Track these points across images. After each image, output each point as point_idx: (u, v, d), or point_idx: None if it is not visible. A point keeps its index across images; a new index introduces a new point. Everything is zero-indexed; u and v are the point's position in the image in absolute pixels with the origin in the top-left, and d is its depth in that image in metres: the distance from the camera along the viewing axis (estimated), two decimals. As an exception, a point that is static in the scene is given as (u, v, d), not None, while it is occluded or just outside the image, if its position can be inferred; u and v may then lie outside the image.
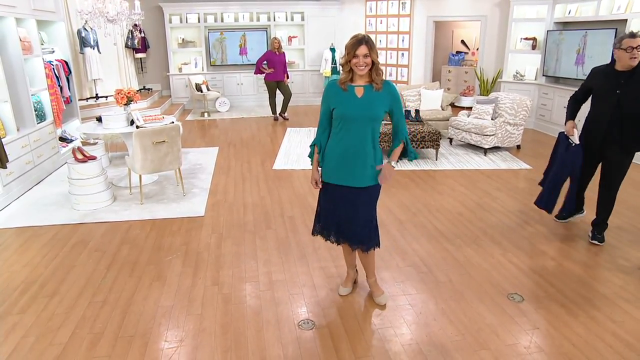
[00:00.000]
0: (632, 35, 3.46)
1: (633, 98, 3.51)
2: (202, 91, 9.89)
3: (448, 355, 2.56)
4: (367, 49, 2.59)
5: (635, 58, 3.44)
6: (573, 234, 4.06)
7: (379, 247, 2.98)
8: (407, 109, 7.11)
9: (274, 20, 10.86)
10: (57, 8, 6.24)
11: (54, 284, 3.31)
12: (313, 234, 3.06)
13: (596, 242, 3.86)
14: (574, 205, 4.12)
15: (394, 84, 2.82)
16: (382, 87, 2.69)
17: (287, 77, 9.23)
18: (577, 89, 3.95)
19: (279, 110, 9.42)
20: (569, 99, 3.98)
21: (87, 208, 4.62)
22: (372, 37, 8.64)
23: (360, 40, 2.60)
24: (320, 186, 2.91)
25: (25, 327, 2.82)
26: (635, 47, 3.41)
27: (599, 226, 3.91)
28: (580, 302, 3.03)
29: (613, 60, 3.62)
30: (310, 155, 2.97)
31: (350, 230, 2.88)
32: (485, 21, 9.63)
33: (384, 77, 2.74)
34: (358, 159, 2.74)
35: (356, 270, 3.24)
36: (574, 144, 3.79)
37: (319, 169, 2.91)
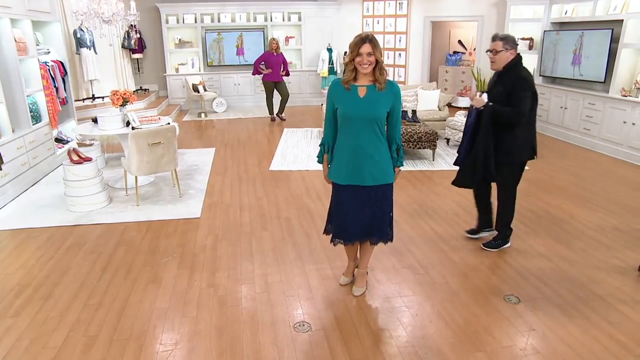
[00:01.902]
0: (492, 38, 3.36)
1: (495, 101, 3.35)
2: (199, 92, 9.87)
3: (444, 357, 2.55)
4: (371, 47, 2.60)
5: (492, 62, 3.36)
6: (570, 235, 4.06)
7: (391, 241, 3.06)
8: (404, 109, 7.10)
9: (271, 20, 10.85)
10: (52, 9, 6.22)
11: (49, 286, 3.29)
12: (325, 233, 3.12)
13: (485, 248, 3.78)
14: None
15: (398, 85, 2.82)
16: (385, 87, 2.70)
17: (287, 75, 9.20)
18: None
19: (276, 110, 9.41)
20: None
21: (82, 210, 4.60)
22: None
23: (364, 39, 2.62)
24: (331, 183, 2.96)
25: (19, 330, 2.80)
26: (491, 50, 3.33)
27: (498, 231, 3.78)
28: (577, 304, 3.03)
29: None
30: (319, 156, 3.00)
31: (359, 226, 2.92)
32: (482, 21, 9.64)
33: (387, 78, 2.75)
34: (364, 159, 2.76)
35: (357, 258, 3.28)
36: (474, 108, 3.45)
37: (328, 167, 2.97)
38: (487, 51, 3.42)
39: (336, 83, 2.80)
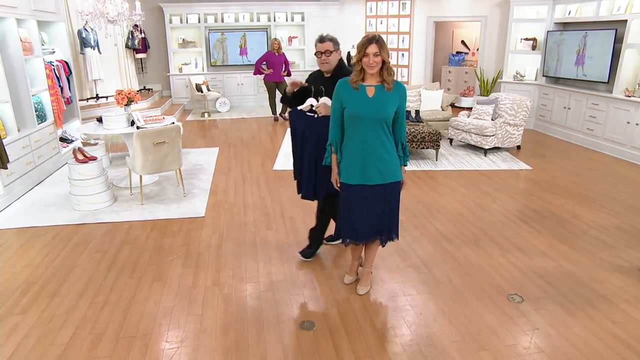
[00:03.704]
0: (320, 39, 3.21)
1: None
2: (202, 91, 9.90)
3: (448, 355, 2.56)
4: (378, 47, 2.64)
5: (325, 63, 3.20)
6: (573, 234, 4.07)
7: (397, 239, 3.08)
8: (407, 109, 7.11)
9: (274, 20, 10.87)
10: (57, 9, 6.25)
11: (55, 284, 3.32)
12: (341, 242, 3.14)
13: (300, 256, 3.67)
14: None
15: (405, 85, 2.85)
16: (393, 87, 2.72)
17: (289, 75, 9.21)
18: None
19: (279, 110, 9.43)
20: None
21: (87, 208, 4.63)
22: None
23: (371, 40, 2.65)
24: (339, 185, 2.95)
25: (26, 328, 2.83)
26: (324, 52, 3.16)
27: (314, 238, 3.68)
28: (580, 303, 3.04)
29: None
30: (327, 156, 2.99)
31: (369, 226, 2.93)
32: (485, 21, 9.64)
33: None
34: (374, 158, 2.78)
35: (361, 257, 3.30)
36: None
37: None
38: (316, 53, 3.24)
39: (344, 82, 2.82)
